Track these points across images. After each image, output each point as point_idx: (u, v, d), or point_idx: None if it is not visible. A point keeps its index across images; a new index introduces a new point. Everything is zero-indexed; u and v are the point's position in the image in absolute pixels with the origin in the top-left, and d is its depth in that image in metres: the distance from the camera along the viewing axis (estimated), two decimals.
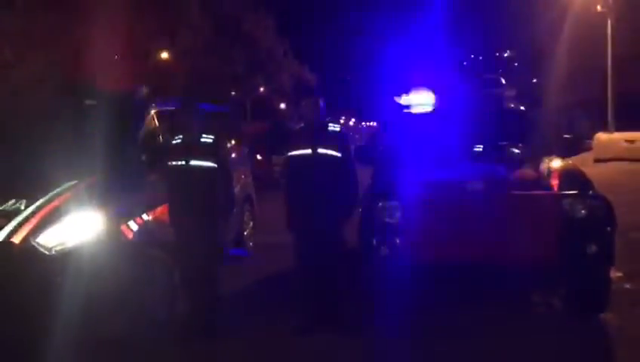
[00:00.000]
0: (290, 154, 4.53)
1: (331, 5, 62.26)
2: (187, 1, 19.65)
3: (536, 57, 32.03)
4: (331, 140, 4.44)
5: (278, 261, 5.91)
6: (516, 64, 43.66)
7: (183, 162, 4.56)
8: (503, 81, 7.17)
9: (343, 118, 61.18)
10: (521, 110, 5.87)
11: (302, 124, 4.63)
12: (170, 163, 4.64)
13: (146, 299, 4.65)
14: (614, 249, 4.24)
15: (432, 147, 5.17)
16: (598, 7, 24.95)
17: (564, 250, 4.10)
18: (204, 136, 4.66)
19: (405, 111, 5.71)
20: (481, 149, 5.20)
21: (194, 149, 4.59)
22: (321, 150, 4.39)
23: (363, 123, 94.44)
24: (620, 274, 5.34)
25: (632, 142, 21.88)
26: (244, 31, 24.28)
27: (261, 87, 28.04)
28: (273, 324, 4.63)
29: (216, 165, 4.60)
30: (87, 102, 5.32)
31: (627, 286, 5.26)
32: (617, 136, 22.13)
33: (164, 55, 20.94)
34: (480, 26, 39.69)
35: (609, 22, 24.80)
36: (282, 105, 25.67)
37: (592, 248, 4.10)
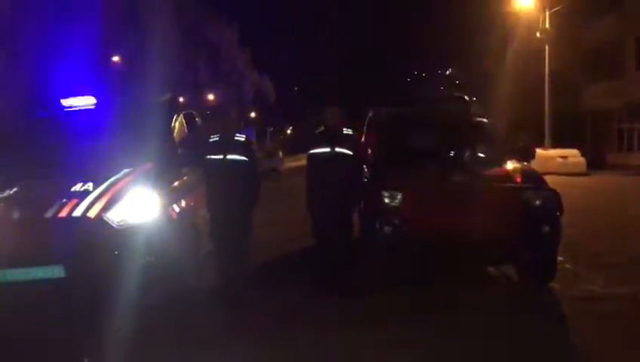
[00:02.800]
0: (311, 151, 5.59)
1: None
2: (157, 11, 20.32)
3: (479, 76, 33.85)
4: (345, 141, 5.54)
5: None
6: (457, 82, 45.86)
7: (221, 156, 5.53)
8: (467, 98, 8.44)
9: (291, 127, 62.13)
10: (486, 122, 7.13)
11: (322, 128, 5.68)
12: (208, 157, 5.58)
13: (184, 270, 5.56)
14: (561, 229, 5.51)
15: None
16: (538, 34, 27.13)
17: (525, 228, 5.32)
18: (237, 135, 5.65)
19: None
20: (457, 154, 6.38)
21: (230, 146, 5.57)
22: (337, 149, 5.48)
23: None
24: (561, 258, 6.65)
25: (565, 158, 24.03)
26: (209, 41, 25.02)
27: (219, 96, 28.69)
28: (291, 291, 5.67)
29: (247, 158, 5.59)
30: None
31: (567, 266, 6.55)
32: (553, 152, 24.18)
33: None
34: (420, 44, 41.32)
35: (547, 47, 27.05)
36: (252, 114, 26.64)
37: (546, 228, 5.35)
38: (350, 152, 5.51)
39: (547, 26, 27.12)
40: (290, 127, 55.69)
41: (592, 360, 3.98)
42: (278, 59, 42.40)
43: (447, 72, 51.81)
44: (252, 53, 33.54)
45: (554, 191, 5.56)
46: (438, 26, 37.30)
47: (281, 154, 24.69)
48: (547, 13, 27.09)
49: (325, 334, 4.59)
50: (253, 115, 35.88)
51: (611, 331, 4.53)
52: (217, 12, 26.83)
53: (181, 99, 6.51)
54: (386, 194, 5.47)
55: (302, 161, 6.64)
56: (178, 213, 5.63)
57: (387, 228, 5.38)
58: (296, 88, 54.76)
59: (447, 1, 32.27)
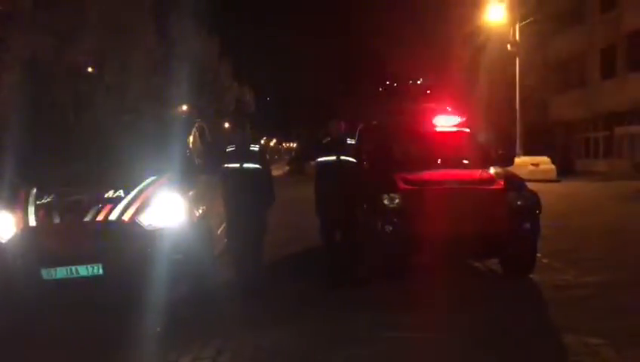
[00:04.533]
0: (319, 160, 6.26)
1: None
2: (144, 24, 20.83)
3: (451, 86, 34.86)
4: (349, 150, 6.22)
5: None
6: (429, 91, 47.00)
7: (238, 165, 6.16)
8: (450, 110, 9.21)
9: (265, 138, 62.58)
10: (469, 131, 7.89)
11: (328, 138, 6.35)
12: (227, 165, 6.20)
13: (205, 267, 6.14)
14: (540, 226, 6.27)
15: None
16: (509, 47, 28.31)
17: (509, 225, 6.05)
18: (252, 145, 6.28)
19: None
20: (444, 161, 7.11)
21: (245, 155, 6.19)
22: (342, 157, 6.16)
23: (283, 144, 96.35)
24: (538, 254, 7.41)
25: (536, 165, 25.15)
26: (193, 53, 25.57)
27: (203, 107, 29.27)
28: (305, 285, 6.32)
29: (261, 166, 6.23)
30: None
31: (545, 260, 7.30)
32: (525, 159, 25.24)
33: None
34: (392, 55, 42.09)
35: (517, 59, 28.24)
36: (226, 125, 27.19)
37: (527, 225, 6.11)
38: (354, 160, 6.19)
39: (517, 38, 28.32)
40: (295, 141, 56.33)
41: (567, 332, 4.68)
42: (257, 70, 43.22)
43: (418, 82, 52.99)
44: (233, 65, 34.31)
45: (533, 193, 6.32)
46: (410, 37, 38.21)
47: None
48: (517, 26, 28.31)
49: (333, 316, 5.29)
50: (227, 125, 36.40)
51: (583, 311, 5.28)
52: (198, 25, 27.44)
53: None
54: (386, 197, 6.15)
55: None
56: (198, 217, 6.21)
57: (387, 228, 6.06)
58: (268, 98, 55.41)
59: (419, 13, 33.28)
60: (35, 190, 5.77)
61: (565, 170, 27.36)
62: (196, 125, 7.12)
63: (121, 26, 20.33)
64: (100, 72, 20.43)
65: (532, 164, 24.78)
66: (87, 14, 18.81)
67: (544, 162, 25.69)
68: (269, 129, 64.24)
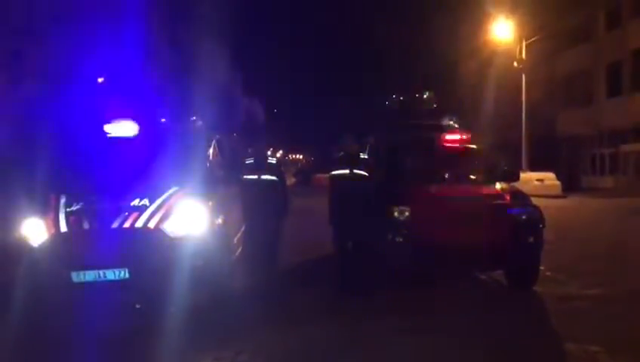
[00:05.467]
0: (333, 173, 6.58)
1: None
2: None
3: (457, 101, 35.12)
4: (362, 164, 6.54)
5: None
6: (435, 105, 47.27)
7: (256, 176, 6.49)
8: (456, 126, 9.52)
9: (271, 149, 62.98)
10: (477, 148, 8.20)
11: (342, 153, 6.68)
12: (245, 177, 6.54)
13: (224, 273, 6.44)
14: (543, 240, 6.56)
15: None
16: (515, 64, 28.67)
17: (514, 238, 6.34)
18: (269, 158, 6.63)
19: None
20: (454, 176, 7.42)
21: (263, 167, 6.54)
22: (355, 170, 6.48)
23: (289, 155, 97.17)
24: (542, 267, 7.68)
25: (541, 180, 25.41)
26: (202, 63, 26.02)
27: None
28: (317, 291, 6.63)
29: (277, 178, 6.56)
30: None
31: (548, 273, 7.57)
32: (530, 175, 25.49)
33: None
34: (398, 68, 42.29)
35: (523, 76, 28.59)
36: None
37: (531, 238, 6.39)
38: (366, 173, 6.51)
39: (523, 55, 28.70)
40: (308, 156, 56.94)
41: (568, 340, 4.95)
42: (266, 82, 43.67)
43: (425, 96, 53.27)
44: (242, 76, 34.64)
45: (537, 208, 6.61)
46: (419, 52, 38.54)
47: None
48: (524, 43, 28.69)
49: (344, 321, 5.58)
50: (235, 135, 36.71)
51: (583, 321, 5.56)
52: (209, 37, 27.88)
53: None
54: (396, 209, 6.46)
55: None
56: (217, 225, 6.52)
57: (398, 239, 6.36)
58: (275, 110, 55.83)
59: (428, 28, 33.66)
60: (64, 198, 6.10)
61: (571, 185, 27.59)
62: (216, 138, 7.45)
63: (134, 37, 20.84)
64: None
65: (537, 180, 25.05)
66: (97, 23, 19.22)
67: (549, 178, 25.95)
68: (276, 140, 64.63)
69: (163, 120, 7.30)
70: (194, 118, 7.56)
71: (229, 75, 33.19)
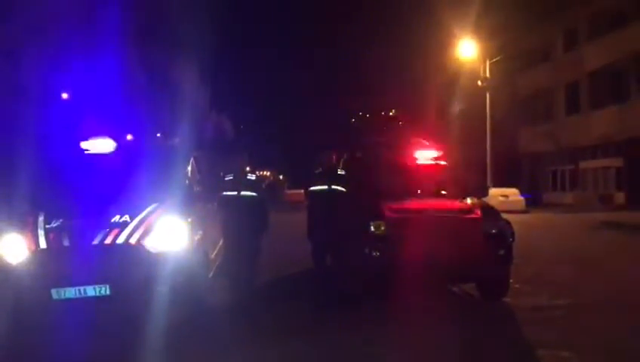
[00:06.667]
0: (311, 188, 6.74)
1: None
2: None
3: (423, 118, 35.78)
4: (340, 180, 6.72)
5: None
6: (400, 122, 48.04)
7: (235, 193, 6.60)
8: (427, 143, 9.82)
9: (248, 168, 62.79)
10: (448, 165, 8.49)
11: (319, 169, 6.85)
12: (224, 193, 6.64)
13: (202, 289, 6.50)
14: (512, 253, 6.83)
15: None
16: (479, 82, 29.51)
17: (485, 252, 6.58)
18: (248, 175, 6.74)
19: None
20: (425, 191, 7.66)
21: (242, 184, 6.65)
22: (333, 186, 6.65)
23: (256, 171, 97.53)
24: (511, 280, 7.96)
25: (506, 196, 26.10)
26: (172, 80, 26.04)
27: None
28: (296, 306, 6.73)
29: (257, 194, 6.68)
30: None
31: (517, 285, 7.85)
32: (495, 191, 26.12)
33: None
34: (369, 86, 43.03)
35: (487, 95, 29.43)
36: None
37: (501, 251, 6.65)
38: (344, 189, 6.69)
39: (487, 74, 29.56)
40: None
41: (539, 347, 5.18)
42: (233, 98, 43.81)
43: (391, 113, 54.11)
44: (211, 93, 34.84)
45: (507, 222, 6.89)
46: (385, 70, 39.24)
47: None
48: (487, 63, 29.57)
49: (322, 333, 5.70)
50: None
51: (553, 329, 5.81)
52: (177, 54, 27.91)
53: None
54: (372, 224, 6.64)
55: None
56: (196, 241, 6.59)
57: (374, 253, 6.54)
58: (241, 126, 55.85)
59: (394, 46, 34.42)
60: (43, 215, 6.09)
61: (533, 201, 28.37)
62: (193, 155, 7.53)
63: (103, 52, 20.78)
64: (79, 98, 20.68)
65: (502, 195, 25.71)
66: (70, 42, 19.13)
67: (513, 193, 26.70)
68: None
69: (136, 137, 7.35)
70: (170, 135, 7.64)
71: (199, 92, 33.36)
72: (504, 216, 7.16)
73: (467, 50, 29.89)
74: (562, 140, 30.36)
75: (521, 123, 33.67)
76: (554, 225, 19.57)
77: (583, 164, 29.88)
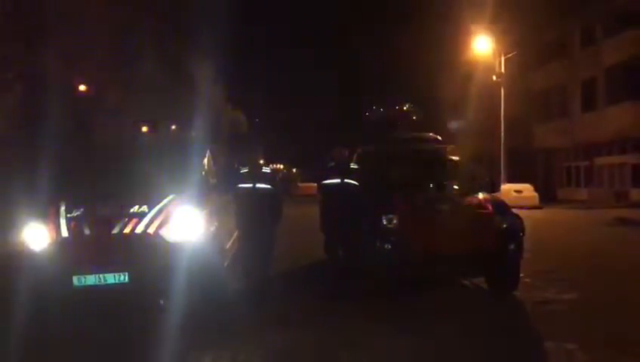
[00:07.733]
0: (324, 182, 6.87)
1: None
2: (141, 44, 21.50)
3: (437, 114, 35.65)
4: (352, 173, 6.85)
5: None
6: (414, 118, 47.86)
7: (251, 185, 6.75)
8: (440, 138, 9.92)
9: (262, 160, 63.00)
10: (459, 159, 8.57)
11: (332, 163, 6.98)
12: (240, 185, 6.79)
13: (218, 278, 6.66)
14: (523, 247, 6.91)
15: None
16: (494, 77, 29.37)
17: (495, 246, 6.68)
18: (264, 167, 6.89)
19: None
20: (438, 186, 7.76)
21: (258, 177, 6.80)
22: (346, 179, 6.78)
23: (270, 164, 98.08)
24: (521, 274, 8.05)
25: (520, 192, 26.01)
26: (186, 74, 26.28)
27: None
28: (308, 297, 6.88)
29: (272, 187, 6.83)
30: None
31: (527, 279, 7.93)
32: (508, 186, 26.08)
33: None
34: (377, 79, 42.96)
35: (502, 90, 29.28)
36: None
37: (512, 246, 6.74)
38: (356, 183, 6.82)
39: (502, 70, 29.41)
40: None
41: (546, 338, 5.29)
42: (249, 93, 44.01)
43: (405, 108, 53.86)
44: (227, 88, 35.02)
45: (518, 217, 6.98)
46: (400, 65, 39.13)
47: None
48: (502, 58, 29.41)
49: (335, 323, 5.87)
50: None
51: (560, 322, 5.92)
52: (194, 48, 28.14)
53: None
54: (385, 217, 6.76)
55: None
56: (212, 232, 6.76)
57: (386, 246, 6.66)
58: (257, 120, 56.01)
59: (408, 40, 34.26)
60: (64, 204, 6.29)
61: (547, 197, 28.25)
62: (209, 148, 7.70)
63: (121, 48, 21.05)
64: (99, 94, 20.96)
65: (515, 191, 25.62)
66: (88, 37, 19.38)
67: (527, 189, 26.57)
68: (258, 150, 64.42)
69: (155, 130, 7.54)
70: (187, 128, 7.82)
71: (215, 87, 33.62)
72: (518, 211, 7.24)
73: (482, 45, 29.72)
74: (577, 136, 30.16)
75: (536, 118, 33.46)
76: (567, 221, 19.53)
77: (598, 161, 29.68)
